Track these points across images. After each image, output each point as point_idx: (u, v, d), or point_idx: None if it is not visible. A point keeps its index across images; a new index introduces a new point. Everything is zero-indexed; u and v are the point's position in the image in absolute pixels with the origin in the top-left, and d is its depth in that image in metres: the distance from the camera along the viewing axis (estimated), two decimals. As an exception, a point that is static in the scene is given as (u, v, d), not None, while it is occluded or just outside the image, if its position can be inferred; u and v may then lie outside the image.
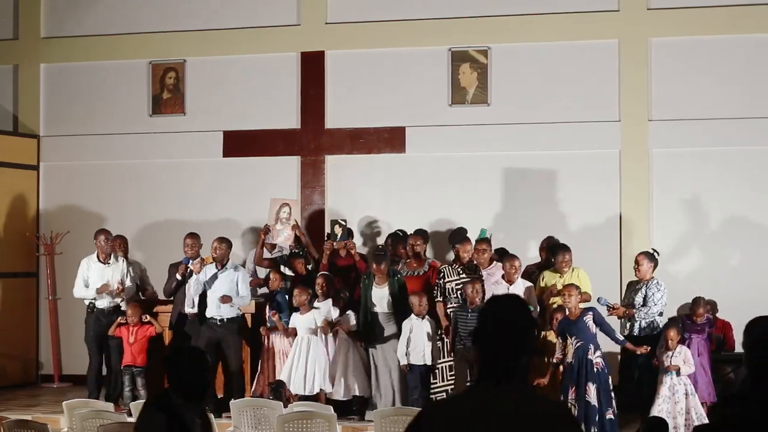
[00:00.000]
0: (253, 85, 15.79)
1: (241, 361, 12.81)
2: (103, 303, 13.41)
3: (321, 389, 12.33)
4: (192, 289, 12.87)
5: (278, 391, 12.08)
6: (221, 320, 12.75)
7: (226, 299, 12.61)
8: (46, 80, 16.53)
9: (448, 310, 12.35)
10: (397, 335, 12.41)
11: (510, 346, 4.25)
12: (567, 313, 11.66)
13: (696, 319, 12.44)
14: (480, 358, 4.30)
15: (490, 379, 4.24)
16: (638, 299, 12.20)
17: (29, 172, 16.26)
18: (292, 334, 12.53)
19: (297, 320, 12.54)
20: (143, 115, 16.14)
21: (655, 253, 12.46)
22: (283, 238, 13.80)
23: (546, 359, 11.96)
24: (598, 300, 12.36)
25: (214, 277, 12.82)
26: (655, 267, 12.40)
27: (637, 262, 12.42)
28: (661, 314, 12.35)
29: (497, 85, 15.06)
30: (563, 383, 11.51)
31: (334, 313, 12.54)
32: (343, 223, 13.78)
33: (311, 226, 14.93)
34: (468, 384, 11.80)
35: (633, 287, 12.41)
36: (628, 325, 12.33)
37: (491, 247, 12.99)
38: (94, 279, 13.43)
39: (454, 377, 12.12)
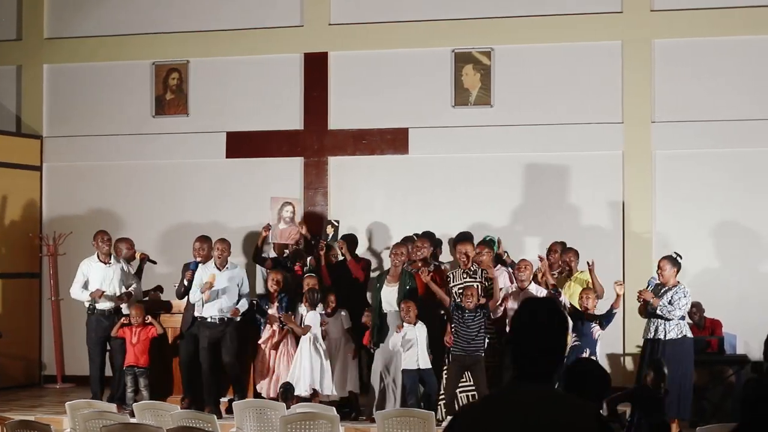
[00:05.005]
0: (257, 86, 15.79)
1: (234, 356, 12.81)
2: (104, 305, 13.37)
3: (322, 391, 12.39)
4: (193, 298, 12.90)
5: (289, 392, 12.10)
6: (221, 319, 12.80)
7: (235, 312, 12.73)
8: (50, 81, 16.54)
9: (451, 307, 12.22)
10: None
11: (545, 347, 4.31)
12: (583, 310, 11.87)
13: None
14: (515, 359, 4.35)
15: (524, 379, 4.29)
16: (664, 301, 12.05)
17: (32, 173, 16.26)
18: (306, 330, 12.53)
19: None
20: (146, 116, 16.14)
21: (678, 257, 12.31)
22: (288, 237, 13.80)
23: None
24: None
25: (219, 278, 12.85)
26: (678, 271, 12.15)
27: (659, 267, 12.22)
28: (683, 318, 12.04)
29: (500, 87, 15.06)
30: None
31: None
32: (336, 223, 13.84)
33: (314, 227, 14.90)
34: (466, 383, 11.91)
35: (658, 291, 12.25)
36: (652, 329, 12.12)
37: (492, 250, 12.92)
38: (94, 279, 13.38)
39: (445, 381, 12.09)
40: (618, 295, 11.94)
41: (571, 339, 11.75)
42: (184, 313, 13.15)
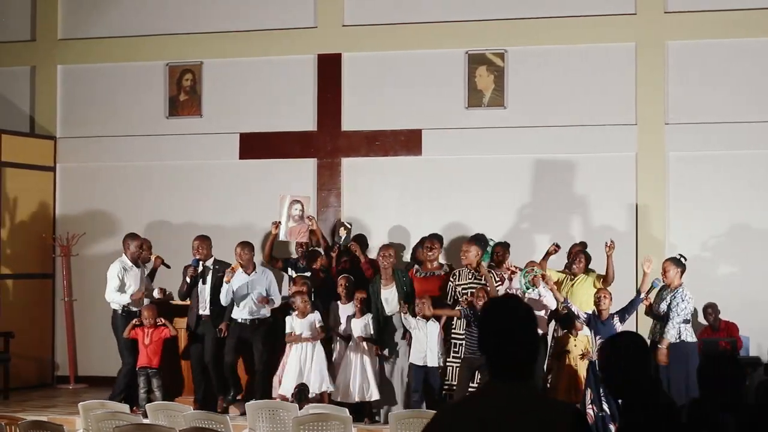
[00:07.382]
0: (270, 87, 15.80)
1: (266, 362, 12.84)
2: (136, 306, 13.39)
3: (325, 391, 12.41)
4: (223, 298, 12.91)
5: (304, 393, 12.11)
6: (252, 321, 12.86)
7: (263, 300, 12.76)
8: (63, 82, 16.57)
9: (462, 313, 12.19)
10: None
11: (515, 348, 4.31)
12: (599, 313, 11.87)
13: None
14: (488, 360, 4.37)
15: (501, 377, 4.31)
16: (663, 307, 11.98)
17: (46, 174, 16.29)
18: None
19: (296, 324, 12.58)
20: (160, 117, 16.16)
21: (682, 258, 12.23)
22: (297, 234, 13.78)
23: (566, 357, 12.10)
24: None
25: (246, 281, 12.89)
26: (682, 273, 12.07)
27: (664, 269, 12.15)
28: (687, 322, 11.91)
29: (514, 88, 15.05)
30: (587, 380, 11.69)
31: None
32: (348, 226, 13.85)
33: (327, 227, 14.91)
34: (476, 385, 11.88)
35: (661, 294, 12.20)
36: (656, 331, 12.10)
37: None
38: (131, 283, 13.35)
39: (456, 382, 12.06)
40: (645, 273, 11.97)
41: (597, 342, 11.69)
42: (189, 313, 13.19)
